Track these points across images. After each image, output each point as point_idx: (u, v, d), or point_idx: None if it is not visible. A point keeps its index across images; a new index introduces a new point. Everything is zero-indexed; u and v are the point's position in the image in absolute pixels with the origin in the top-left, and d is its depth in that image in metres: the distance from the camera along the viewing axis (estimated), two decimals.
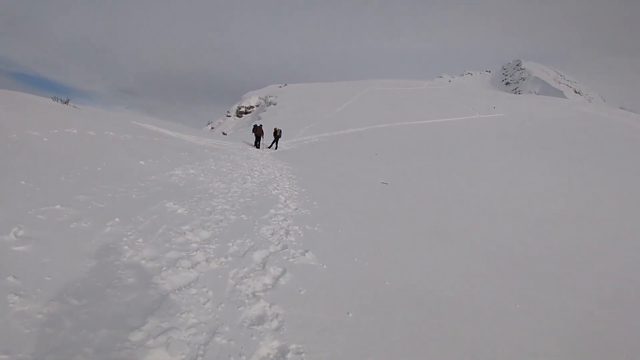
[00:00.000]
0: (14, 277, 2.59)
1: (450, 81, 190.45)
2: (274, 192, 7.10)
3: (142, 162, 6.77)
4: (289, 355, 2.48)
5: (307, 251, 4.21)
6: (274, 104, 62.15)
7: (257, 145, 19.35)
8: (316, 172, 11.54)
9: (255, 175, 8.79)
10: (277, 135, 19.55)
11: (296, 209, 5.94)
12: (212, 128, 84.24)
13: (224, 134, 39.81)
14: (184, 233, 4.06)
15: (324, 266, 3.95)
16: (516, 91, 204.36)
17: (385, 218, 6.61)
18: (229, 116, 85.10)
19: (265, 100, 73.22)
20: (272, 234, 4.63)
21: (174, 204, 4.85)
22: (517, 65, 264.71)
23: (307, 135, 28.59)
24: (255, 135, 19.42)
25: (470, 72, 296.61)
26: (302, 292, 3.34)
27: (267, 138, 20.31)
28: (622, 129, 25.60)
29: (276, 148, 19.71)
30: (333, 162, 15.16)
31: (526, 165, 12.94)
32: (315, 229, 5.08)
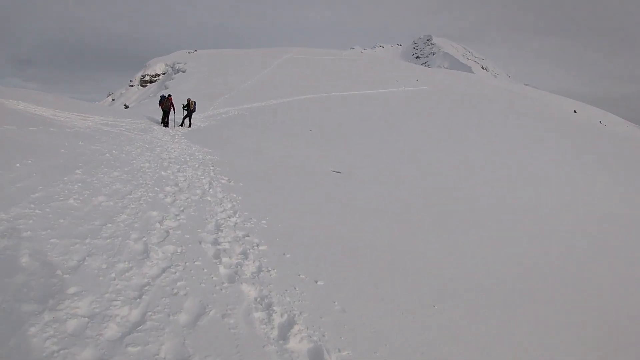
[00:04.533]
0: None
1: (362, 52, 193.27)
2: (238, 277, 3.10)
3: None
4: None
5: None
6: (183, 72, 55.92)
7: (165, 122, 15.55)
8: (254, 165, 8.74)
9: (168, 200, 4.88)
10: (190, 108, 15.85)
11: None
12: (113, 100, 73.70)
13: (125, 106, 33.91)
14: None
15: None
16: (426, 65, 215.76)
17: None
18: (132, 86, 75.18)
19: (172, 68, 65.92)
20: None
21: None
22: (427, 40, 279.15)
23: (223, 107, 24.95)
24: (163, 109, 15.44)
25: (382, 44, 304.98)
26: None
27: (178, 112, 16.53)
28: (547, 105, 26.72)
29: (190, 125, 16.15)
30: (265, 143, 12.42)
31: (478, 137, 11.73)
32: None
